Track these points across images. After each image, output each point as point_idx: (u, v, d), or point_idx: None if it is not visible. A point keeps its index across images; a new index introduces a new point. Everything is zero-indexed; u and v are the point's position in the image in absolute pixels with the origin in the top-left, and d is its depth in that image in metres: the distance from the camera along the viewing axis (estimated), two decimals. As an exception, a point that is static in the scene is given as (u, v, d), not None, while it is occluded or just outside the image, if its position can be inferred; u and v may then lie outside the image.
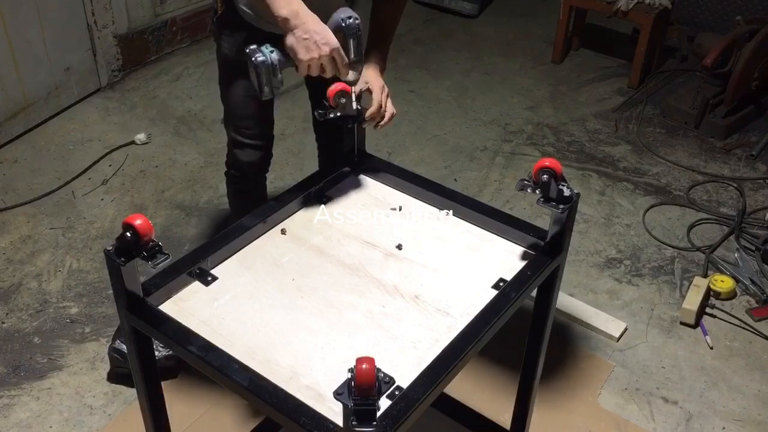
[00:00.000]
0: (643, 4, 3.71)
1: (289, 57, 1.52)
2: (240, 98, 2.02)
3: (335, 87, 1.56)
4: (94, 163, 3.15)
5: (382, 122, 1.74)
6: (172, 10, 3.90)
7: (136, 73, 3.80)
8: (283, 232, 1.51)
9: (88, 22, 3.47)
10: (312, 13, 1.51)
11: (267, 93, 1.52)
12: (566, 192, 1.36)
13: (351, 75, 1.60)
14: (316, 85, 2.13)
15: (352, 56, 1.54)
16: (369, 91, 1.72)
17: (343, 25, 1.51)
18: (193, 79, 3.80)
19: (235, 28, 1.89)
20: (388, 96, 1.75)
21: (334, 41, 1.51)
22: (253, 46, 1.49)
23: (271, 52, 1.49)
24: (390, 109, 1.75)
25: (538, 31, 4.40)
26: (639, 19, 3.77)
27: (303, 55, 1.50)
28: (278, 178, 3.09)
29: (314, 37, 1.49)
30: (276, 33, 1.56)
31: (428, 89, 3.81)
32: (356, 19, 1.52)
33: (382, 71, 1.82)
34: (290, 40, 1.51)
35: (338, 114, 1.58)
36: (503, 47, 4.25)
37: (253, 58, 1.47)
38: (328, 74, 1.55)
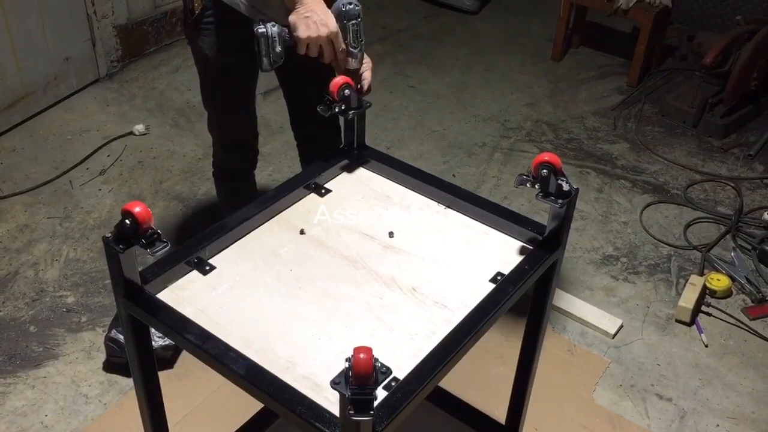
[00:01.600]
0: (643, 2, 3.71)
1: (291, 34, 1.59)
2: (226, 102, 2.01)
3: (338, 80, 1.56)
4: (92, 153, 3.14)
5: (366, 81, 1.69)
6: (171, 1, 3.88)
7: (135, 63, 3.80)
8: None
9: (87, 12, 3.46)
10: None
11: (265, 64, 1.59)
12: (565, 187, 1.35)
13: (352, 63, 1.62)
14: (292, 86, 2.14)
15: (350, 42, 1.58)
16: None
17: (343, 10, 1.56)
18: (192, 71, 3.76)
19: (219, 25, 1.86)
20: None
21: (333, 25, 1.56)
22: (259, 20, 1.57)
23: (273, 26, 1.56)
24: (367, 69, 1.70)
25: (538, 28, 4.40)
26: (639, 18, 3.77)
27: (302, 32, 1.57)
28: (277, 170, 3.09)
29: (314, 17, 1.56)
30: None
31: (428, 85, 3.81)
32: (356, 5, 1.56)
33: None
34: (292, 17, 1.58)
35: (342, 107, 1.58)
36: (503, 44, 4.24)
37: (255, 29, 1.56)
38: (326, 58, 1.61)
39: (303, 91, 2.10)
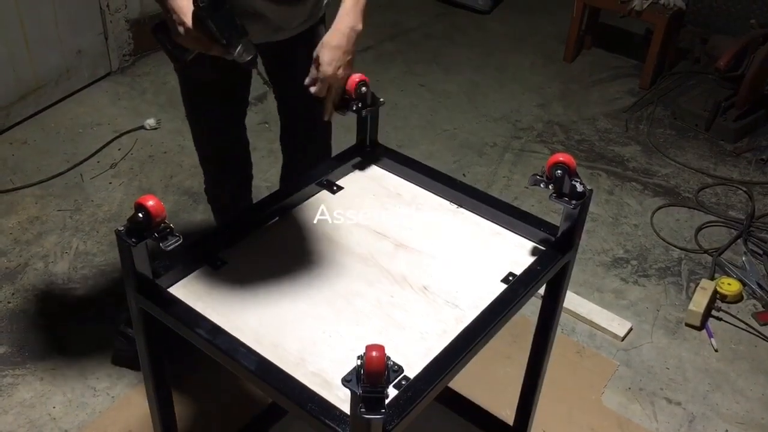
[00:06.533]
0: (657, 4, 3.69)
1: None
2: (196, 112, 1.92)
3: (354, 78, 1.55)
4: (103, 146, 3.15)
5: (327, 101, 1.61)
6: (184, -4, 3.89)
7: (147, 58, 3.80)
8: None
9: (100, 6, 3.46)
10: None
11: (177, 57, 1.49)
12: (579, 188, 1.35)
13: (237, 55, 1.42)
14: (283, 97, 2.02)
15: (217, 35, 1.39)
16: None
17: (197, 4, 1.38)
18: (203, 66, 3.79)
19: None
20: (335, 66, 1.59)
21: (187, 21, 1.40)
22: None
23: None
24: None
25: (551, 29, 4.38)
26: (653, 20, 3.75)
27: (173, 32, 1.44)
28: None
29: (173, 16, 1.42)
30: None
31: (439, 84, 3.80)
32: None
33: (346, 34, 1.62)
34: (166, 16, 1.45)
35: (359, 104, 1.57)
36: (515, 44, 4.23)
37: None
38: (205, 51, 1.45)
39: (296, 100, 1.95)
